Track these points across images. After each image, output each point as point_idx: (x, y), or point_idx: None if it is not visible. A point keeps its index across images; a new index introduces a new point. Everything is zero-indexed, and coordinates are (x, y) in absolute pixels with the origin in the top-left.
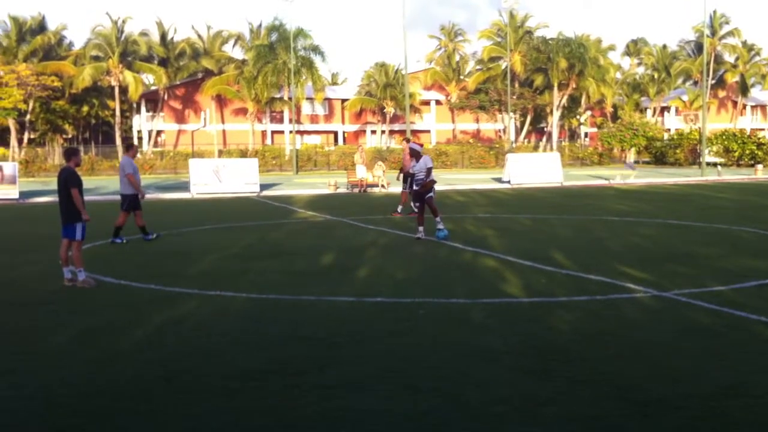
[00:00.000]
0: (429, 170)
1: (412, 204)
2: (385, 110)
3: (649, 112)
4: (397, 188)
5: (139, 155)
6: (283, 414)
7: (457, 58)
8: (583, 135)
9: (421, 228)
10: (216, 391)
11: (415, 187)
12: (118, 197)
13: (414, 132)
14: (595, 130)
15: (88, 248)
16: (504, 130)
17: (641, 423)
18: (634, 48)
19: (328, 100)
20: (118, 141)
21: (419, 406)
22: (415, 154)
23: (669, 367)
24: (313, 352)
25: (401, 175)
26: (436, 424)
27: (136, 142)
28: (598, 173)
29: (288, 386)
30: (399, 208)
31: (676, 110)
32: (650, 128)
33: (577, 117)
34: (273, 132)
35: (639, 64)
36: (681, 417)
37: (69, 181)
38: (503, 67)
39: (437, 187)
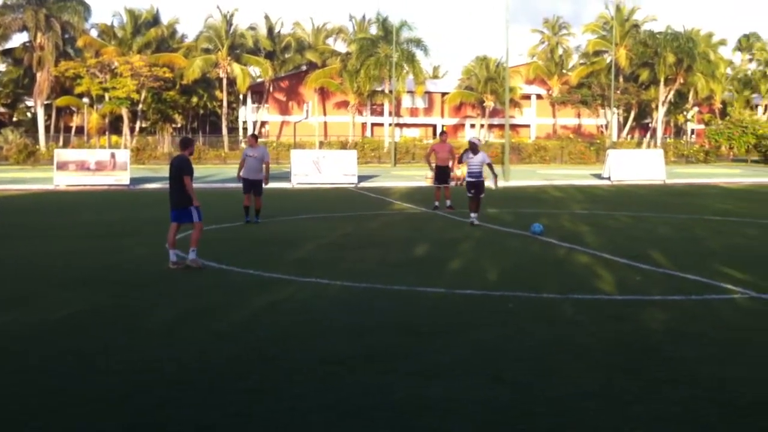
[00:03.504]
0: (489, 165)
1: (466, 192)
2: (484, 104)
3: (760, 109)
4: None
5: (243, 145)
6: (372, 399)
7: (560, 51)
8: (689, 132)
9: (474, 214)
10: (310, 374)
11: (469, 179)
12: (227, 185)
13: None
14: (702, 127)
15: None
16: (606, 126)
17: (732, 425)
18: (746, 43)
19: (428, 93)
20: (224, 131)
21: (503, 398)
22: (474, 148)
23: (763, 369)
24: (403, 340)
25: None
26: (519, 416)
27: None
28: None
29: (379, 372)
30: (436, 203)
31: None
32: (761, 126)
33: (684, 113)
34: (373, 125)
35: (751, 60)
36: None
37: (183, 168)
38: (608, 61)
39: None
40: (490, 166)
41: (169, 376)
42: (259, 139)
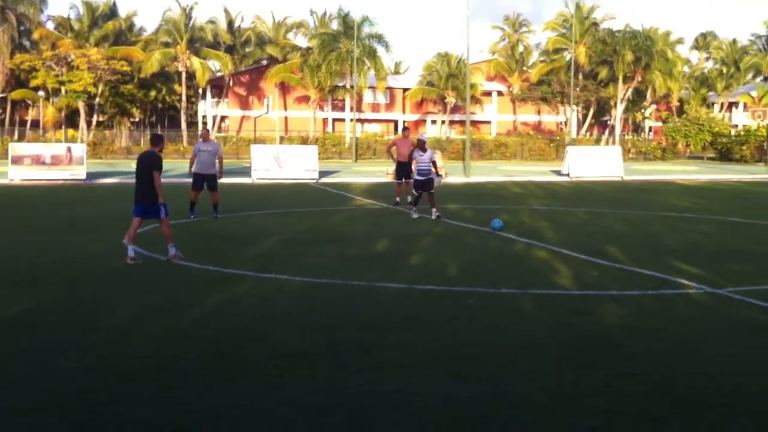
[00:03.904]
0: (434, 164)
1: (413, 190)
2: (446, 100)
3: (717, 107)
4: (455, 178)
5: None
6: (330, 395)
7: (520, 49)
8: (647, 129)
9: (415, 208)
10: (266, 371)
11: (418, 177)
12: (184, 180)
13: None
14: (659, 124)
15: (150, 229)
16: (566, 123)
17: (683, 418)
18: (703, 42)
19: (390, 89)
20: (184, 125)
21: (463, 393)
22: (422, 146)
23: (716, 364)
24: (363, 336)
25: (394, 169)
26: (478, 410)
27: (201, 127)
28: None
29: (336, 368)
30: (397, 199)
31: (744, 106)
32: (716, 124)
33: (642, 111)
34: (334, 120)
35: (708, 59)
36: (723, 414)
37: (153, 163)
38: (567, 58)
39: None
40: (434, 164)
41: (123, 373)
42: (220, 134)
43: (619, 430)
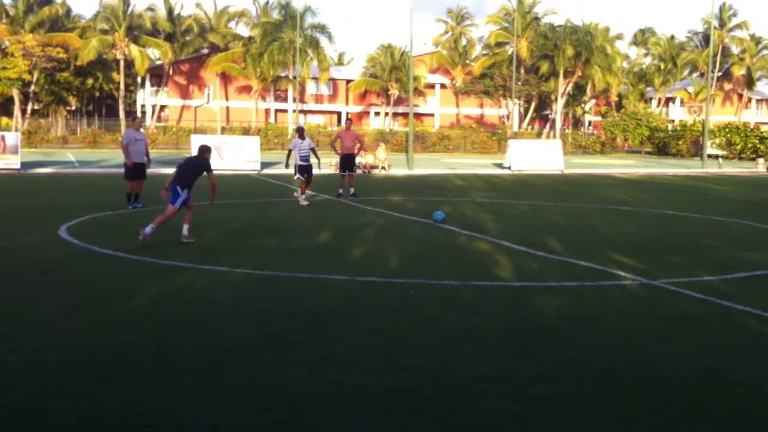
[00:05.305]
0: (313, 150)
1: (298, 175)
2: (389, 92)
3: (654, 102)
4: (398, 170)
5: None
6: (269, 387)
7: (463, 42)
8: (587, 123)
9: (304, 195)
10: (205, 363)
11: (301, 163)
12: (120, 170)
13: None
14: (599, 119)
15: (86, 220)
16: (508, 116)
17: (620, 405)
18: (642, 38)
19: (333, 80)
20: (122, 114)
21: (403, 383)
22: (301, 133)
23: (651, 353)
24: (303, 327)
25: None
26: (418, 400)
27: (139, 115)
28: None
29: (276, 360)
30: (340, 191)
31: (681, 101)
32: (654, 119)
33: (582, 105)
34: (276, 111)
35: (646, 54)
36: (656, 401)
37: (208, 168)
38: (509, 52)
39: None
40: (313, 150)
41: (58, 366)
42: (160, 124)
43: (557, 417)
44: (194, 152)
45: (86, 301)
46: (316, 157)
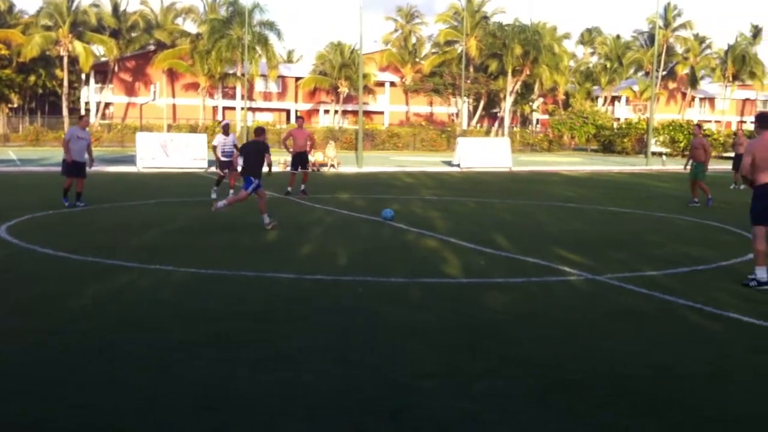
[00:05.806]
0: (235, 146)
1: (219, 170)
2: (339, 90)
3: (600, 101)
4: (347, 168)
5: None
6: (214, 386)
7: (413, 40)
8: (534, 121)
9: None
10: (149, 363)
11: (224, 159)
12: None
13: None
14: (546, 117)
15: (27, 219)
16: (457, 114)
17: (565, 400)
18: (589, 37)
19: (282, 77)
20: (65, 112)
21: (350, 381)
22: (225, 130)
23: (595, 347)
24: (250, 326)
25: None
26: (368, 397)
27: (83, 113)
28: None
29: (221, 359)
30: (289, 189)
31: (627, 100)
32: (600, 117)
33: (530, 103)
34: (225, 108)
35: (592, 54)
36: (602, 396)
37: (266, 149)
38: (459, 51)
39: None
40: (236, 146)
41: (1, 369)
42: (104, 121)
43: (503, 413)
44: (139, 150)
45: (28, 302)
46: (238, 151)
